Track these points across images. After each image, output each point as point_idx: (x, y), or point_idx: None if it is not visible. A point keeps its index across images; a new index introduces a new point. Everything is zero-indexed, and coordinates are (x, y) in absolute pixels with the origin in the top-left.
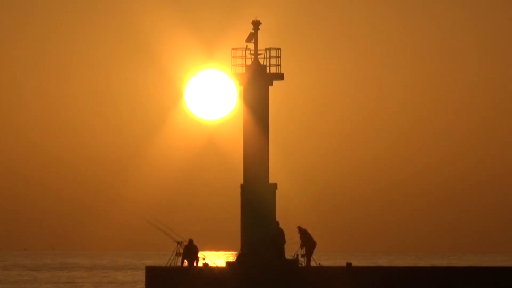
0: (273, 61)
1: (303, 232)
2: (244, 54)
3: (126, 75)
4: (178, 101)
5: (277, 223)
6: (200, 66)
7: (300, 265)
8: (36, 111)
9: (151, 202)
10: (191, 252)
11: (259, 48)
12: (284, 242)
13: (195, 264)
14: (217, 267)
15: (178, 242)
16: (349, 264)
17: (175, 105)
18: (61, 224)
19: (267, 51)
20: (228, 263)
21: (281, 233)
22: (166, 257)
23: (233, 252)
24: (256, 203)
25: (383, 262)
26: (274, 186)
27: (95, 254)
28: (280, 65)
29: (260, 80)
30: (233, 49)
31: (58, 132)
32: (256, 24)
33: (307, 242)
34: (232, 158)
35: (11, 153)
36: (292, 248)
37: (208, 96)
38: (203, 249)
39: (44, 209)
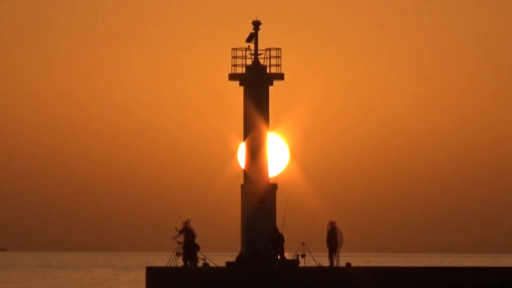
0: (273, 61)
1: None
2: (244, 54)
3: (187, 139)
4: (231, 160)
5: (276, 229)
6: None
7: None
8: (99, 145)
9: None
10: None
11: (259, 48)
12: (283, 240)
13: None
14: (216, 267)
15: (178, 242)
16: (348, 264)
17: (228, 163)
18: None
19: (267, 51)
20: (228, 263)
21: (280, 236)
22: (166, 257)
23: (233, 252)
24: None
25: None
26: (274, 186)
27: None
28: (280, 65)
29: (260, 80)
30: (233, 49)
31: (122, 185)
32: (256, 24)
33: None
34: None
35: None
36: (292, 248)
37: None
38: (203, 250)
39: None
